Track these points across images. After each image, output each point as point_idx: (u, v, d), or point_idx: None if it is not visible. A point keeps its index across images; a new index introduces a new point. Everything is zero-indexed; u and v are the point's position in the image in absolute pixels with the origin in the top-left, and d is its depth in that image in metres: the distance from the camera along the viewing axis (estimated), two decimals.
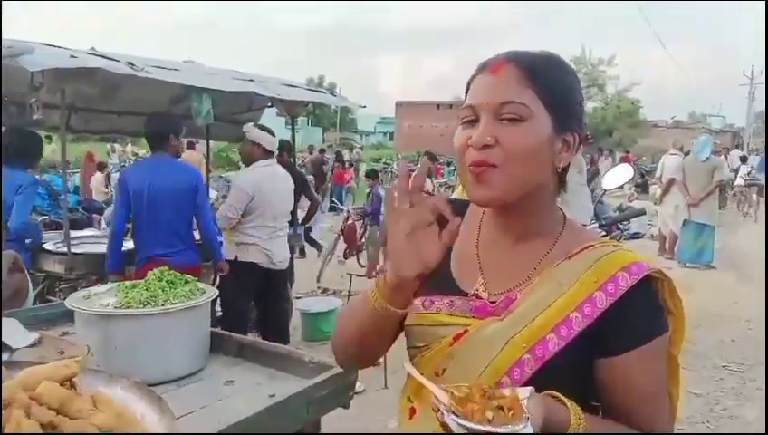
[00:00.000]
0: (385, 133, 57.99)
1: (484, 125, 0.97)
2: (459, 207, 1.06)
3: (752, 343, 5.43)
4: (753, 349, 5.25)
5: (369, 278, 5.93)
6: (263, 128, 4.26)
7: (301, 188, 4.96)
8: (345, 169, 16.27)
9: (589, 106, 37.38)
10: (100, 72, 3.46)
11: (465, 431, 0.79)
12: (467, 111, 1.01)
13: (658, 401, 1.00)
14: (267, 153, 4.18)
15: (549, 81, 0.99)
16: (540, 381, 0.94)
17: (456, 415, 0.81)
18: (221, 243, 4.18)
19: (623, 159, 17.37)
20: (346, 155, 21.88)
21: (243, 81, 4.48)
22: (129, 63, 3.64)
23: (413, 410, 1.08)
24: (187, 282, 2.07)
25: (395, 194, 0.93)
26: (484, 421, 0.80)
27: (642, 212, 4.49)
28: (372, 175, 9.13)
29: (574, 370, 0.97)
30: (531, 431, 0.81)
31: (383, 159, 27.07)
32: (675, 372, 1.05)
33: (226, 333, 2.29)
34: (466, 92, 1.04)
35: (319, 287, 7.04)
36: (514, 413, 0.82)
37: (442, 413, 0.81)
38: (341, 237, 8.13)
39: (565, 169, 1.05)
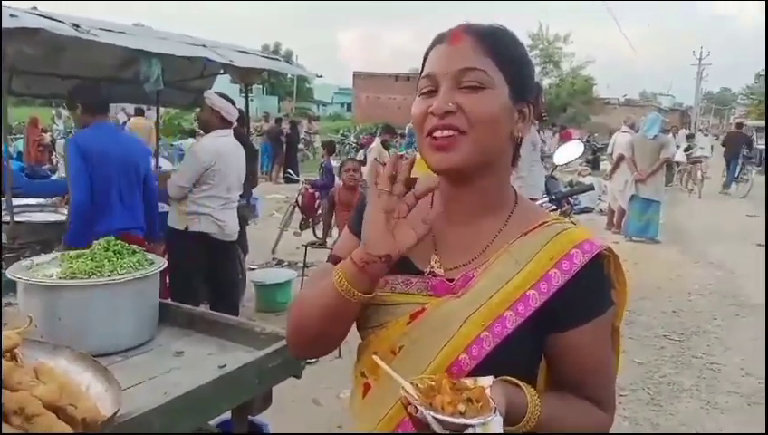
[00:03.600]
0: (342, 104, 57.40)
1: (444, 92, 0.97)
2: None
3: (691, 314, 5.69)
4: (692, 319, 5.52)
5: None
6: (224, 96, 4.14)
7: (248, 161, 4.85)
8: None
9: (544, 83, 37.88)
10: (42, 33, 3.30)
11: (441, 425, 0.81)
12: (426, 81, 1.00)
13: (607, 370, 1.06)
14: (225, 123, 4.08)
15: (506, 51, 1.00)
16: (496, 357, 0.95)
17: (431, 409, 0.82)
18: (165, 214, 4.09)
19: (562, 136, 16.64)
20: (304, 126, 21.58)
21: (194, 45, 4.34)
22: (74, 25, 3.48)
23: (367, 386, 1.07)
24: (134, 252, 2.04)
25: (379, 173, 0.93)
26: (456, 414, 0.82)
27: (591, 187, 4.61)
28: (328, 145, 9.00)
29: (527, 345, 0.98)
30: (500, 420, 0.84)
31: (341, 131, 26.84)
32: (616, 342, 1.10)
33: (175, 304, 2.27)
34: (423, 64, 1.03)
35: (274, 259, 7.00)
36: (482, 405, 0.84)
37: (414, 407, 0.82)
38: (297, 208, 8.05)
39: (520, 142, 1.06)
